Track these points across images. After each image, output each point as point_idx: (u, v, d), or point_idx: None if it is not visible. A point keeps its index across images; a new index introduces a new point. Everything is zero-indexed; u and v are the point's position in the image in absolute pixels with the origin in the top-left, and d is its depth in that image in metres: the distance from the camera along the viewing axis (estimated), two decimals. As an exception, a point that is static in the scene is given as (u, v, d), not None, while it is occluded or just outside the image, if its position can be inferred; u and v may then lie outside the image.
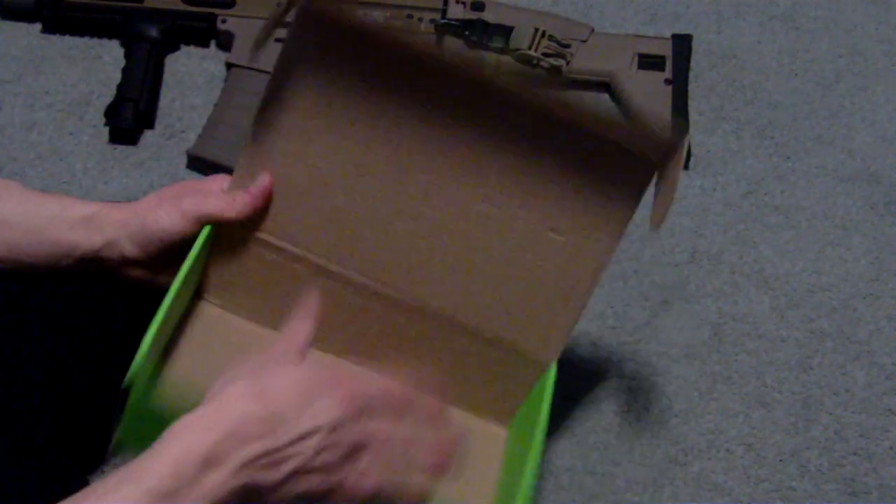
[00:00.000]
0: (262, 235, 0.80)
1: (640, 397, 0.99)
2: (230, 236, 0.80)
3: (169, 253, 0.79)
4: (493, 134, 0.76)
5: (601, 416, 0.97)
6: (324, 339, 0.78)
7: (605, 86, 1.17)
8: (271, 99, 0.77)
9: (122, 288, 0.82)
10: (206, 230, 0.78)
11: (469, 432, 0.79)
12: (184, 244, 0.78)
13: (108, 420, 0.83)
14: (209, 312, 0.83)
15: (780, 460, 0.96)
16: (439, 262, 0.80)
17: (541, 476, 0.94)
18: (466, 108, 0.75)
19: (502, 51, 1.15)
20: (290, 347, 0.67)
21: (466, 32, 1.15)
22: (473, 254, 0.80)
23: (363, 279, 0.81)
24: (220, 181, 0.80)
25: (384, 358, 0.79)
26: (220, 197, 0.78)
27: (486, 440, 0.83)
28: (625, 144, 0.74)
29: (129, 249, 0.78)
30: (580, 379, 0.99)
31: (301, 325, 0.69)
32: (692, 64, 1.18)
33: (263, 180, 0.79)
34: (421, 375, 0.76)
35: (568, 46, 1.16)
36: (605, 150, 0.74)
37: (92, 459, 0.91)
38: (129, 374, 0.69)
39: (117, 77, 1.12)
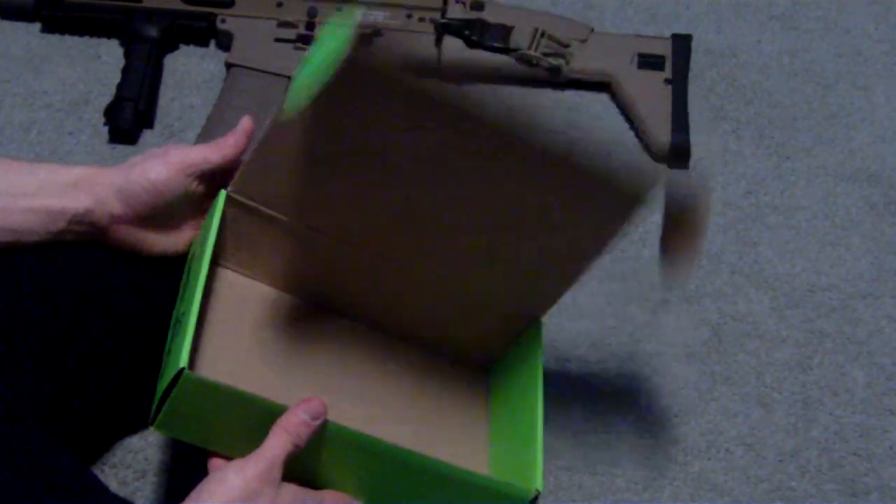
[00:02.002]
0: (267, 210, 0.81)
1: (640, 397, 0.99)
2: (237, 211, 0.81)
3: (155, 211, 0.80)
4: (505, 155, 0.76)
5: (601, 416, 0.97)
6: (316, 293, 0.85)
7: (605, 86, 1.17)
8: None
9: (116, 261, 0.82)
10: (221, 195, 0.80)
11: (451, 376, 0.87)
12: (171, 201, 0.79)
13: (108, 406, 0.83)
14: (229, 279, 0.85)
15: (780, 460, 0.96)
16: (446, 239, 0.81)
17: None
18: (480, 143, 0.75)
19: (502, 51, 1.15)
20: (268, 477, 0.70)
21: (466, 32, 1.15)
22: (476, 239, 0.81)
23: (362, 245, 0.82)
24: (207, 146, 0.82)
25: (378, 311, 0.86)
26: (204, 145, 0.80)
27: (468, 383, 0.88)
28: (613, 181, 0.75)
29: (117, 207, 0.79)
30: (580, 378, 0.99)
31: (277, 441, 0.71)
32: (692, 64, 1.18)
33: (245, 123, 0.81)
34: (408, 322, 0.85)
35: (567, 46, 1.16)
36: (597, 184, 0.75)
37: (92, 449, 0.91)
38: (184, 355, 0.70)
39: (117, 77, 1.12)
